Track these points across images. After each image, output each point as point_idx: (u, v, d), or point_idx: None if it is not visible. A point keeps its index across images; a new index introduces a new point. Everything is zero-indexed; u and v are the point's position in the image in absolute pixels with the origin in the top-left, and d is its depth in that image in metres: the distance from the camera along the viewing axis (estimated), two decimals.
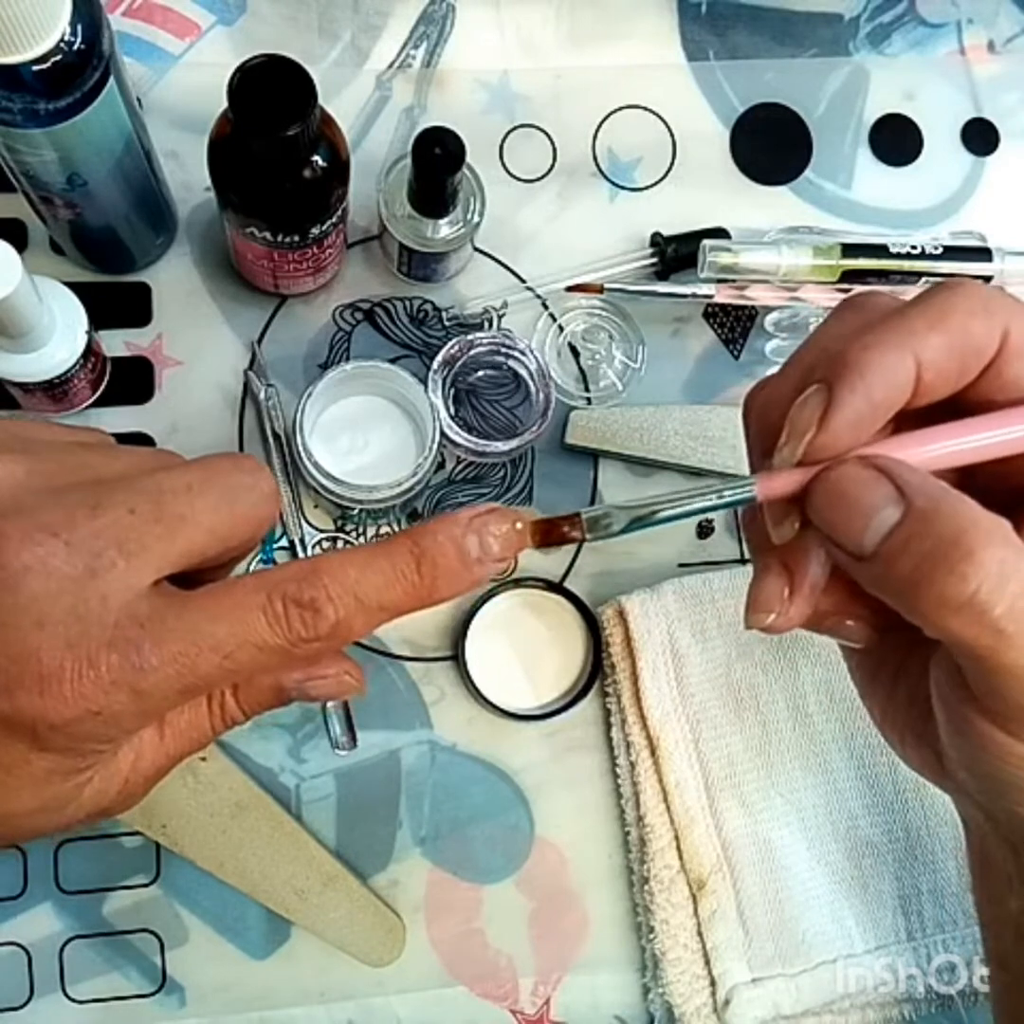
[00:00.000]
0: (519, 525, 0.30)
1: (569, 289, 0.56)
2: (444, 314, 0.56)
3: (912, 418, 0.29)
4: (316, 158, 0.45)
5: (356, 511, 0.51)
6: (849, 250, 0.54)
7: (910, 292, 0.55)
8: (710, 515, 0.29)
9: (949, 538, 0.25)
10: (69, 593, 0.26)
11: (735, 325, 0.58)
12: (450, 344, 0.53)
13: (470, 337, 0.53)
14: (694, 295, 0.55)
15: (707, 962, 0.49)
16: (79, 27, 0.37)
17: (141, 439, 0.53)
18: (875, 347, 0.28)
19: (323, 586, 0.28)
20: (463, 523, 0.29)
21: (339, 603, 0.28)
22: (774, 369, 0.57)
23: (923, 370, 0.28)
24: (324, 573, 0.28)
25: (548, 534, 0.29)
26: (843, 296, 0.54)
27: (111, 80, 0.40)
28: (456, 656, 0.53)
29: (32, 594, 0.26)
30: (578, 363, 0.57)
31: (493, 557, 0.29)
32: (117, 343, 0.54)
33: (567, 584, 0.54)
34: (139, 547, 0.27)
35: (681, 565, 0.55)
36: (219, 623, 0.27)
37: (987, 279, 0.56)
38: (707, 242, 0.54)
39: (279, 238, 0.48)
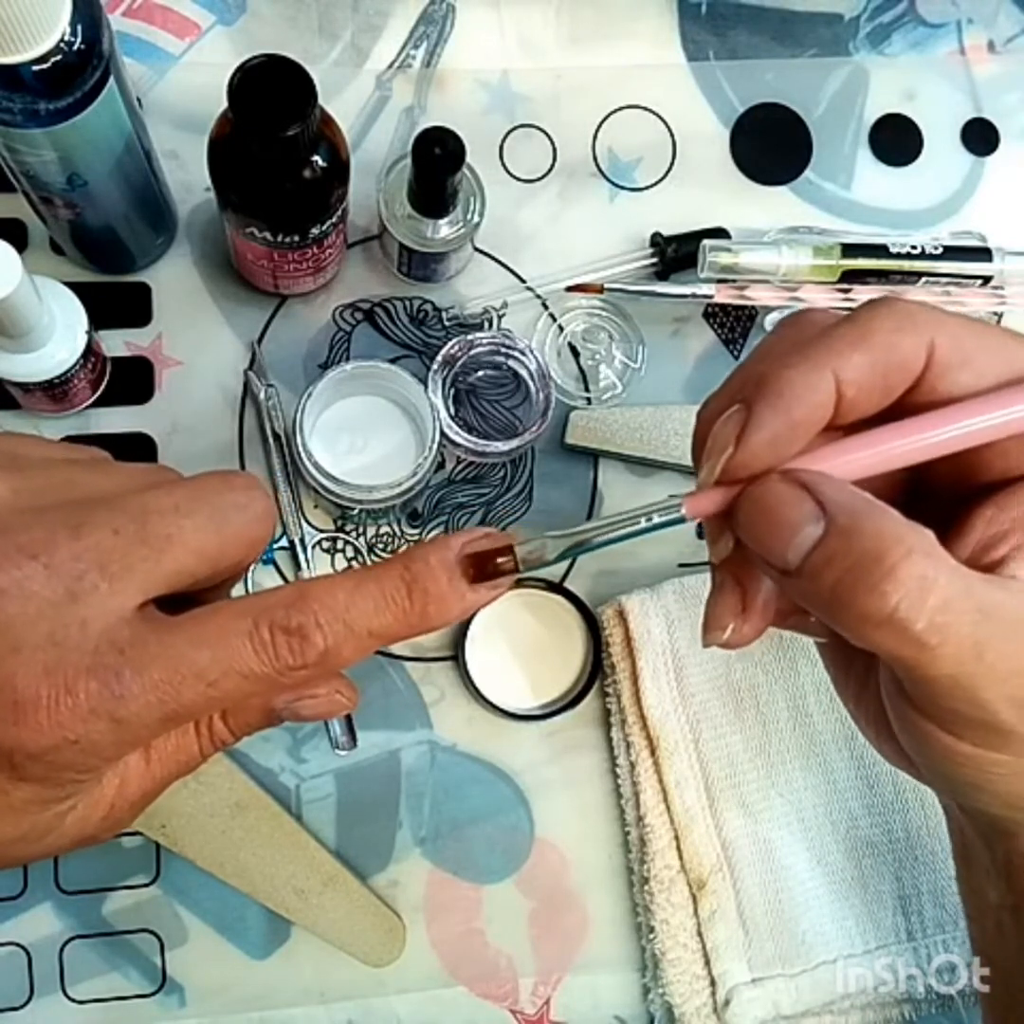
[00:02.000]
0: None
1: (569, 289, 0.56)
2: (444, 314, 0.56)
3: (857, 428, 0.29)
4: (316, 158, 0.45)
5: (356, 511, 0.51)
6: (849, 250, 0.54)
7: (910, 292, 0.55)
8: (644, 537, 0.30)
9: (870, 555, 0.25)
10: (47, 618, 0.25)
11: (735, 325, 0.58)
12: (450, 344, 0.53)
13: (470, 337, 0.53)
14: (694, 295, 0.55)
15: (707, 962, 0.49)
16: (79, 27, 0.37)
17: (141, 439, 0.53)
18: (795, 366, 0.28)
19: (312, 612, 0.27)
20: (456, 548, 0.28)
21: (328, 630, 0.27)
22: None
23: (844, 388, 0.28)
24: (313, 599, 0.27)
25: (481, 568, 0.29)
26: (843, 295, 0.54)
27: (111, 80, 0.40)
28: (456, 656, 0.53)
29: (8, 619, 0.25)
30: (578, 363, 0.57)
31: (487, 586, 0.29)
32: (117, 343, 0.54)
33: (567, 584, 0.54)
34: (122, 569, 0.26)
35: (681, 565, 0.55)
36: (203, 649, 0.26)
37: (987, 279, 0.56)
38: (707, 242, 0.54)
39: (279, 238, 0.48)
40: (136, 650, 0.26)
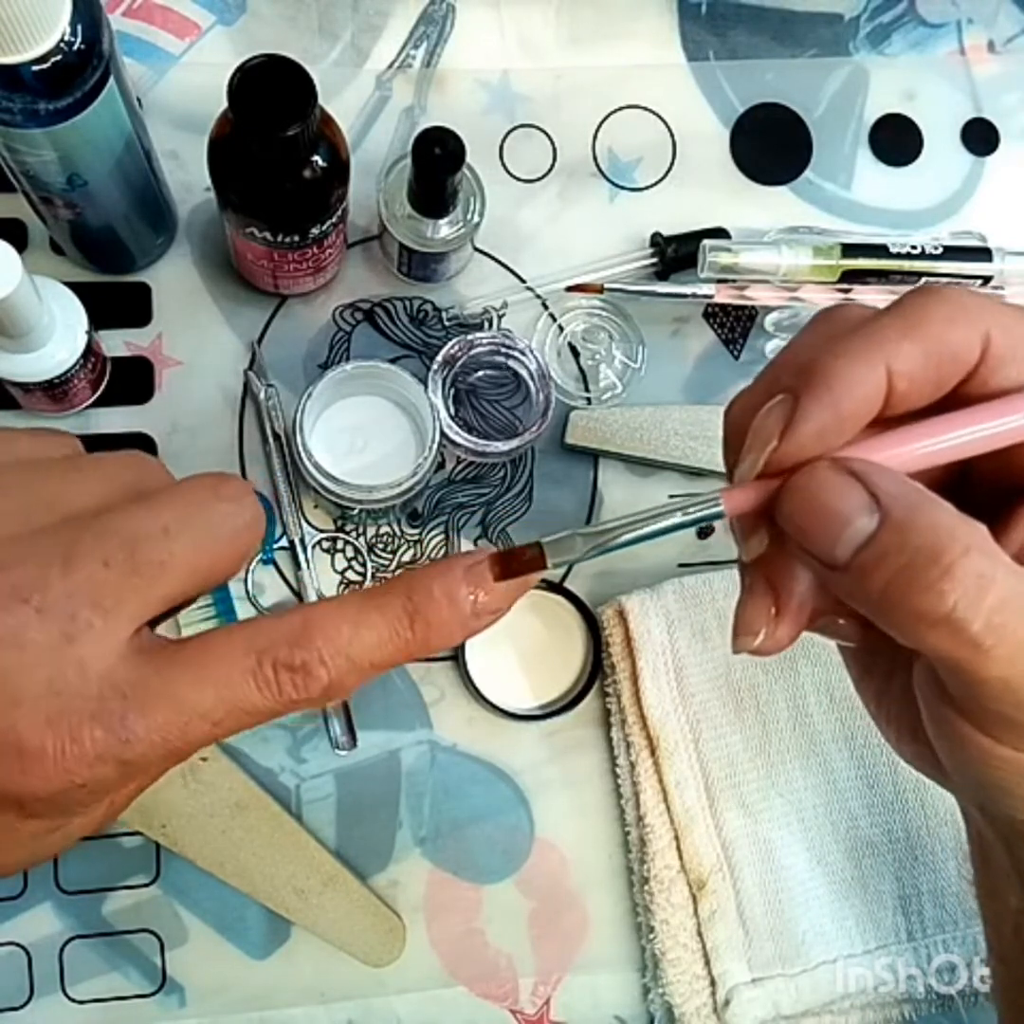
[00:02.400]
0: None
1: (569, 289, 0.56)
2: (444, 314, 0.56)
3: (903, 422, 0.28)
4: (316, 158, 0.45)
5: (356, 511, 0.51)
6: (849, 250, 0.54)
7: None
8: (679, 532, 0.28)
9: (926, 552, 0.24)
10: (45, 664, 0.25)
11: (735, 325, 0.58)
12: (450, 344, 0.53)
13: (470, 337, 0.53)
14: (694, 295, 0.55)
15: (707, 962, 0.49)
16: (79, 27, 0.37)
17: (141, 439, 0.53)
18: (844, 356, 0.27)
19: (315, 648, 0.26)
20: (459, 575, 0.28)
21: (332, 664, 0.26)
22: None
23: (896, 380, 0.27)
24: (316, 633, 0.27)
25: (508, 566, 0.28)
26: (843, 295, 0.54)
27: (111, 80, 0.40)
28: (456, 656, 0.53)
29: (5, 669, 0.25)
30: (578, 363, 0.57)
31: (489, 610, 0.28)
32: (117, 343, 0.54)
33: (567, 584, 0.54)
34: (115, 602, 0.26)
35: (681, 565, 0.55)
36: (206, 689, 0.26)
37: (987, 279, 0.56)
38: (707, 242, 0.54)
39: (279, 238, 0.48)
40: (138, 692, 0.25)
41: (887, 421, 0.28)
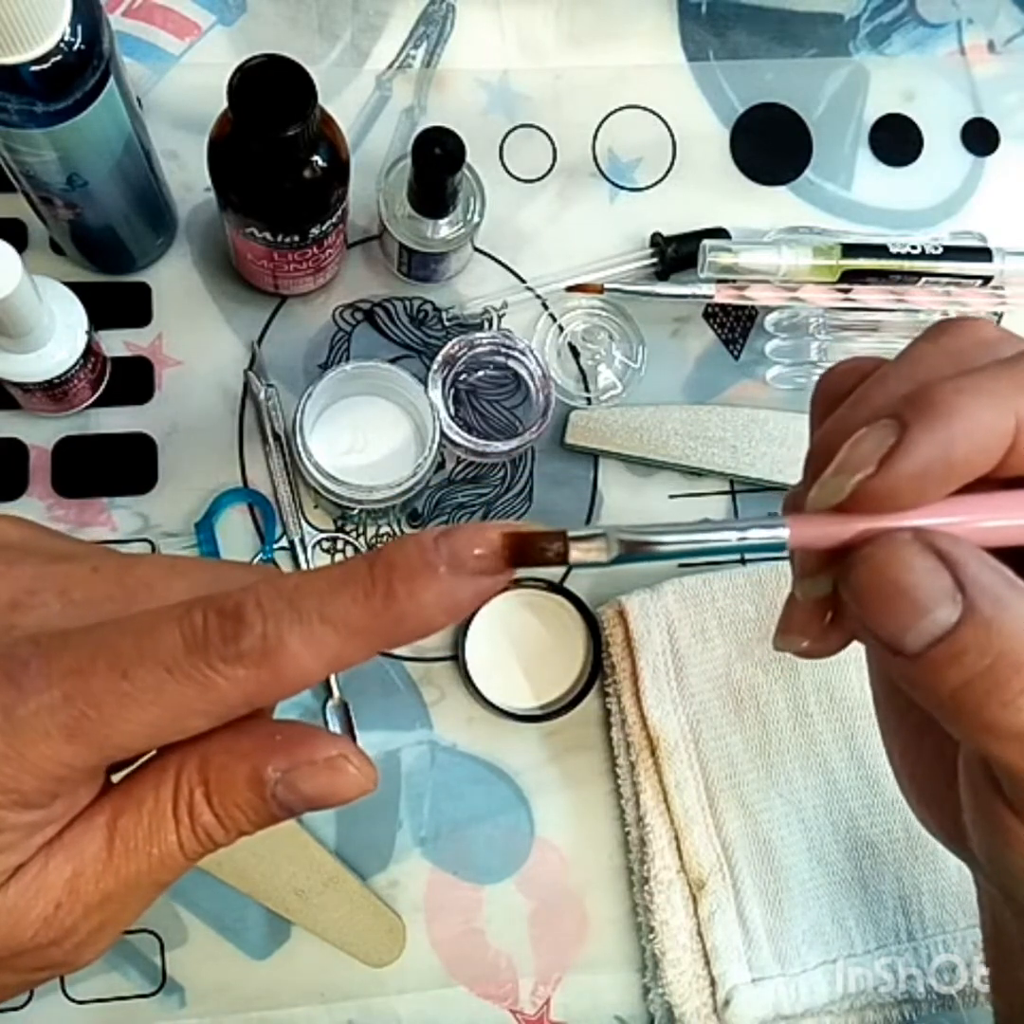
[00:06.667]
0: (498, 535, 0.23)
1: (569, 289, 0.56)
2: (444, 314, 0.56)
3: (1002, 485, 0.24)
4: (316, 158, 0.45)
5: (356, 511, 0.51)
6: (849, 250, 0.54)
7: (911, 292, 0.55)
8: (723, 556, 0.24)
9: (1010, 659, 0.21)
10: None
11: (735, 325, 0.58)
12: (450, 344, 0.53)
13: (470, 337, 0.53)
14: (694, 295, 0.55)
15: (707, 962, 0.49)
16: (79, 27, 0.37)
17: (141, 439, 0.53)
18: (972, 394, 0.23)
19: (253, 592, 0.22)
20: (437, 532, 0.23)
21: (268, 609, 0.21)
22: (774, 369, 0.57)
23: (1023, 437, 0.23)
24: (261, 583, 0.22)
25: (523, 552, 0.22)
26: (843, 295, 0.54)
27: (111, 80, 0.40)
28: (456, 656, 0.53)
29: None
30: (578, 363, 0.57)
31: (464, 562, 0.22)
32: (117, 343, 0.54)
33: (567, 584, 0.54)
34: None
35: (681, 565, 0.55)
36: (126, 636, 0.22)
37: (987, 279, 0.56)
38: (707, 242, 0.54)
39: (279, 238, 0.48)
40: (54, 640, 0.22)
41: (988, 480, 0.24)
